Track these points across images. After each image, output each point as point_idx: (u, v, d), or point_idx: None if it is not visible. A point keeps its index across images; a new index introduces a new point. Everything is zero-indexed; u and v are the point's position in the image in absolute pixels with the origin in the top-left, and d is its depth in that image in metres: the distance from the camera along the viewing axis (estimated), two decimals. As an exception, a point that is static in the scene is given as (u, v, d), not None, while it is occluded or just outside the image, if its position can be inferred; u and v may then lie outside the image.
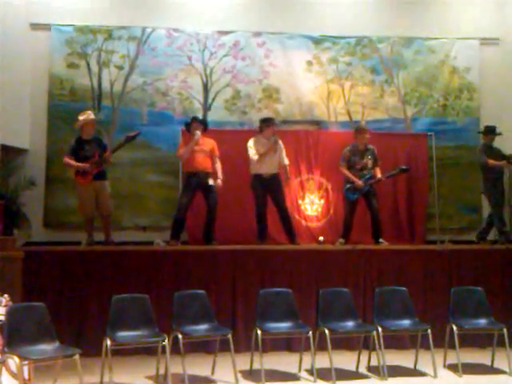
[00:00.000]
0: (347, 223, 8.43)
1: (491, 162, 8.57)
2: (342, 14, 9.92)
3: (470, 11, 10.14)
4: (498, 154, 8.74)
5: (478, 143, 9.34)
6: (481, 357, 7.02)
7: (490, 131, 8.82)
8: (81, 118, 7.87)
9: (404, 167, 8.66)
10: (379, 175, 8.42)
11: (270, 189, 8.23)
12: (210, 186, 8.03)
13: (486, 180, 8.67)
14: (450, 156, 9.63)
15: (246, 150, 8.29)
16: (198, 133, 8.04)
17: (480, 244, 8.57)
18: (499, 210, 8.61)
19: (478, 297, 6.88)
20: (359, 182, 8.29)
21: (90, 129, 7.86)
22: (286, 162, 8.38)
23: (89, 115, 7.90)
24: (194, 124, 8.18)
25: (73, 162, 7.65)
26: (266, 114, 9.56)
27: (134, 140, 8.08)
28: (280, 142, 8.38)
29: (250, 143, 8.28)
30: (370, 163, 8.46)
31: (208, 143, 8.19)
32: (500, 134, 8.91)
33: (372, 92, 9.89)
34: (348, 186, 8.37)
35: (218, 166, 8.16)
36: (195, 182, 8.05)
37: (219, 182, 8.05)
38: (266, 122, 8.39)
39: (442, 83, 10.03)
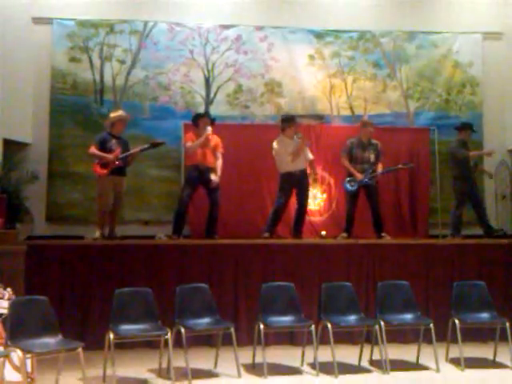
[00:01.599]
0: (349, 216, 8.43)
1: (473, 153, 8.58)
2: (344, 8, 9.93)
3: (473, 5, 10.14)
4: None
5: (481, 138, 9.34)
6: (483, 351, 7.00)
7: (467, 127, 8.80)
8: (112, 115, 7.92)
9: (400, 165, 8.69)
10: (380, 170, 8.43)
11: (298, 185, 8.23)
12: (212, 181, 8.00)
13: (456, 177, 8.66)
14: (453, 150, 9.59)
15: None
16: (210, 128, 8.00)
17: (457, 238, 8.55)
18: (461, 209, 8.62)
19: (481, 291, 6.86)
20: (358, 175, 8.29)
21: (121, 126, 7.89)
22: (311, 156, 8.34)
23: (122, 113, 7.95)
24: (205, 119, 8.14)
25: (98, 152, 7.64)
26: (268, 108, 9.59)
27: (158, 147, 8.16)
28: (304, 138, 8.32)
29: (275, 146, 8.23)
30: (372, 158, 8.44)
31: (213, 139, 8.15)
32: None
33: (374, 86, 9.90)
34: (348, 178, 8.38)
35: (220, 162, 8.11)
36: (196, 176, 8.03)
37: (216, 178, 8.01)
38: (288, 122, 8.32)
39: (444, 78, 10.03)
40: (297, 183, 8.20)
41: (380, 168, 8.44)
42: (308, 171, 8.37)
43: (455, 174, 8.66)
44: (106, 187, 7.66)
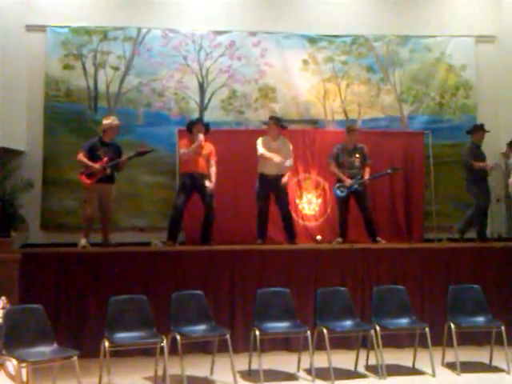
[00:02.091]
0: (342, 222, 8.47)
1: (476, 164, 8.52)
2: (337, 12, 9.94)
3: (466, 9, 10.16)
4: (484, 155, 8.75)
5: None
6: (479, 355, 7.01)
7: (479, 129, 8.78)
8: (105, 122, 7.94)
9: (389, 170, 8.69)
10: (366, 176, 8.43)
11: (274, 189, 8.24)
12: (207, 187, 8.01)
13: (468, 181, 8.67)
14: (447, 154, 9.63)
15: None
16: (202, 136, 8.02)
17: (453, 242, 8.53)
18: (479, 211, 8.60)
19: (476, 295, 6.87)
20: (347, 181, 8.31)
21: (112, 133, 7.91)
22: (288, 163, 8.31)
23: (113, 120, 7.96)
24: (198, 126, 8.14)
25: (86, 161, 7.66)
26: (262, 113, 9.59)
27: (145, 155, 8.17)
28: (288, 143, 8.38)
29: (258, 142, 8.31)
30: (357, 162, 8.47)
31: (206, 147, 8.16)
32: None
33: (368, 91, 9.90)
34: (337, 184, 8.40)
35: (213, 170, 8.13)
36: (191, 183, 8.04)
37: (211, 185, 8.03)
38: (270, 121, 8.42)
39: (438, 81, 10.04)
40: (272, 187, 8.23)
41: (367, 172, 8.46)
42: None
43: (465, 177, 8.71)
44: (91, 195, 7.70)
